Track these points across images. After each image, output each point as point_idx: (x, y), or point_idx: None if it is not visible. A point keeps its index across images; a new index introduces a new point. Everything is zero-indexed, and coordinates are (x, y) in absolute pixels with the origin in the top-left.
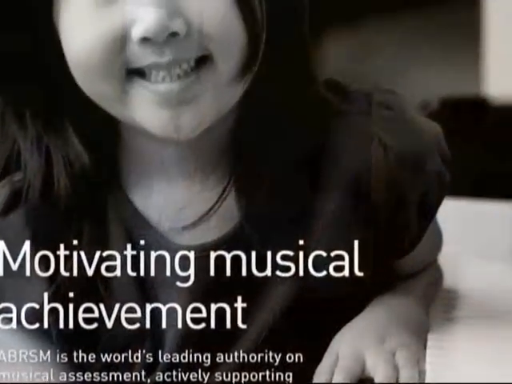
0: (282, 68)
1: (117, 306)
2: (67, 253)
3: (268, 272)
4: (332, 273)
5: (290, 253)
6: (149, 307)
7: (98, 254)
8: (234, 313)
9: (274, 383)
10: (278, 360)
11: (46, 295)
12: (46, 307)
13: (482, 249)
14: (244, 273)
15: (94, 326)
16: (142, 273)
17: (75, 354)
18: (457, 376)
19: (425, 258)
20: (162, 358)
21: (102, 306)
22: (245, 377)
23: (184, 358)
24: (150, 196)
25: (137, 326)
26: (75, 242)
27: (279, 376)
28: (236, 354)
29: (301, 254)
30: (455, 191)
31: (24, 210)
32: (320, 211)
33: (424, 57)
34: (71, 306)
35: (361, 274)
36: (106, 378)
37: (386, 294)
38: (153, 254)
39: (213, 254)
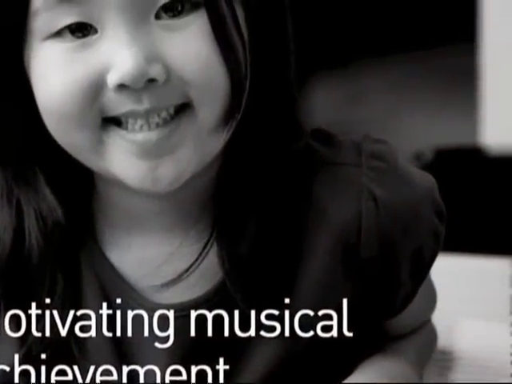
0: (266, 117)
1: (92, 367)
2: (39, 312)
3: (252, 332)
4: (320, 333)
5: (275, 312)
6: (126, 369)
7: (71, 313)
8: (215, 375)
9: None
10: None
11: (16, 357)
12: (17, 369)
13: (478, 307)
14: (226, 333)
15: None
16: (118, 333)
17: None
18: None
19: (418, 317)
20: None
21: (75, 368)
22: None
23: None
24: (127, 251)
25: None
26: (48, 301)
27: None
28: None
29: (286, 313)
30: (450, 246)
31: None
32: (307, 267)
33: (418, 105)
34: (43, 368)
35: (350, 335)
36: None
37: (377, 356)
38: (130, 313)
39: (193, 313)
